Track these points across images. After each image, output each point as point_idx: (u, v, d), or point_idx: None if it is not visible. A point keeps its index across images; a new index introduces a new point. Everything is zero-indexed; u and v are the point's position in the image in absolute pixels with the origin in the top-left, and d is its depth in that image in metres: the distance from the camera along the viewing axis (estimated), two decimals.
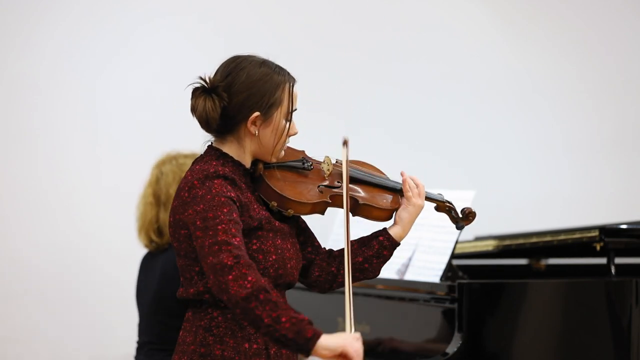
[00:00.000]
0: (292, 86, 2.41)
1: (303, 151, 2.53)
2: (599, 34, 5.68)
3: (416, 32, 5.49)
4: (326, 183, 2.47)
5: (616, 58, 5.69)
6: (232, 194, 2.29)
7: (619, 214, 4.64)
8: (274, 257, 2.34)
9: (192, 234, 2.27)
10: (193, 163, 2.42)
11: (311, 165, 2.48)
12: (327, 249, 2.54)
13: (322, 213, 2.47)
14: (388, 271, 3.40)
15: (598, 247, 3.67)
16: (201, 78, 2.37)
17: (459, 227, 2.67)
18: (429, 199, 2.60)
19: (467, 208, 2.64)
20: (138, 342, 3.58)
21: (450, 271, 3.55)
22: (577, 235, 3.73)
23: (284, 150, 2.47)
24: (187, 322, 2.41)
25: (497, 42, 5.61)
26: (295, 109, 2.43)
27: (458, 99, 5.53)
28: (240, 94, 2.35)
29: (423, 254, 3.54)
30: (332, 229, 3.89)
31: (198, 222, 2.25)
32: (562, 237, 3.80)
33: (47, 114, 4.86)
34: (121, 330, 4.68)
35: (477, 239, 4.33)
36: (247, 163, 2.41)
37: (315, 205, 2.43)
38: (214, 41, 5.02)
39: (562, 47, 5.65)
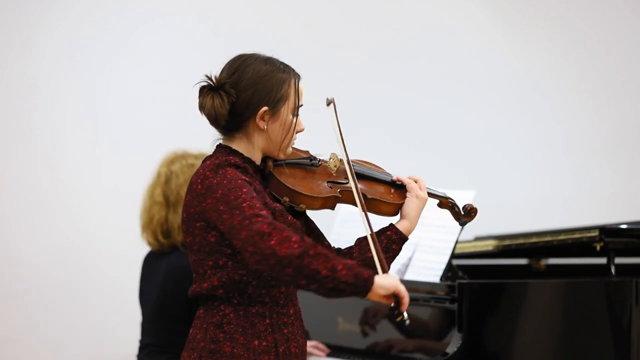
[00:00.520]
0: (298, 82, 2.45)
1: (307, 151, 2.56)
2: (599, 34, 5.68)
3: (416, 32, 5.49)
4: (334, 179, 2.51)
5: (616, 58, 5.69)
6: (247, 179, 2.32)
7: (619, 214, 4.64)
8: None
9: (217, 221, 2.28)
10: (203, 161, 2.43)
11: (319, 162, 2.52)
12: (336, 247, 2.55)
13: (333, 208, 2.50)
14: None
15: (598, 247, 3.67)
16: (207, 76, 2.40)
17: (462, 224, 2.69)
18: (432, 195, 2.63)
19: (469, 204, 2.66)
20: (140, 342, 3.58)
21: (450, 271, 3.55)
22: (577, 235, 3.73)
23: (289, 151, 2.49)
24: (197, 319, 2.41)
25: (497, 42, 5.61)
26: (302, 105, 2.46)
27: (458, 99, 5.53)
28: (248, 89, 2.38)
29: (423, 253, 3.54)
30: (333, 229, 3.89)
31: (221, 207, 2.26)
32: (562, 237, 3.80)
33: (47, 114, 4.86)
34: (121, 331, 4.68)
35: (477, 239, 4.33)
36: (257, 159, 2.44)
37: (326, 200, 2.46)
38: (214, 41, 5.02)
39: (562, 47, 5.65)
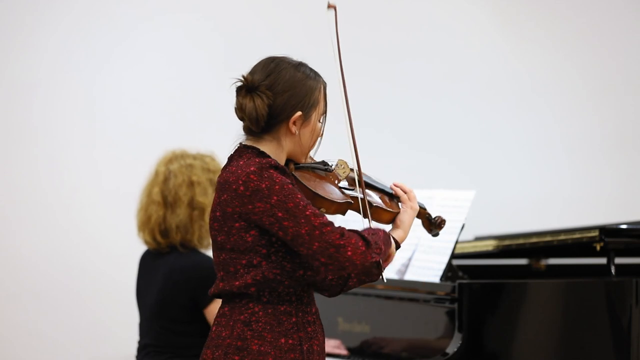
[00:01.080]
0: (325, 88, 2.51)
1: (311, 156, 2.58)
2: (599, 34, 5.68)
3: (416, 32, 5.49)
4: (344, 185, 2.54)
5: (616, 58, 5.69)
6: (291, 182, 2.35)
7: (619, 214, 4.65)
8: None
9: (272, 227, 2.30)
10: (229, 160, 2.43)
11: (331, 167, 2.55)
12: None
13: (344, 214, 2.53)
14: (388, 271, 3.40)
15: (598, 247, 3.67)
16: (244, 77, 2.40)
17: (434, 235, 2.83)
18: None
19: (438, 217, 2.80)
20: (139, 343, 3.57)
21: (450, 271, 3.55)
22: (577, 236, 3.73)
23: None
24: (222, 317, 2.41)
25: (497, 42, 5.61)
26: (326, 112, 2.52)
27: (458, 99, 5.53)
28: (284, 93, 2.40)
29: (423, 253, 3.54)
30: None
31: (280, 214, 2.28)
32: (562, 237, 3.80)
33: (47, 114, 4.86)
34: (121, 331, 4.68)
35: (477, 239, 4.33)
36: (282, 162, 2.45)
37: (341, 205, 2.49)
38: (213, 40, 5.02)
39: (562, 47, 5.65)
